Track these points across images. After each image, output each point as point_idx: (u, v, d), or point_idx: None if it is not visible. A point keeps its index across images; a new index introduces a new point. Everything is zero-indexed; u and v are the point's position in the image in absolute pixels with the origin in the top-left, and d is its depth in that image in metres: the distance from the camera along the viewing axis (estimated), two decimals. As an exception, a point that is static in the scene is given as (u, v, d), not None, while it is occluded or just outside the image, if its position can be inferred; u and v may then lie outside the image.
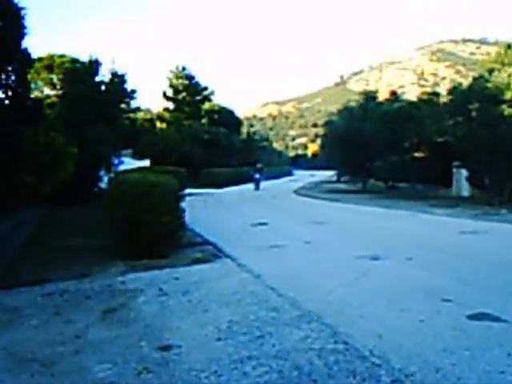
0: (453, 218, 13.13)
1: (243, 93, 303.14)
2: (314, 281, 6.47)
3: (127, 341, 4.41)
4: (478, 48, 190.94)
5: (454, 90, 18.95)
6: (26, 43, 12.84)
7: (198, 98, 48.02)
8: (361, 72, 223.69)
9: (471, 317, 4.65)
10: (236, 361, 3.86)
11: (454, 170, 20.36)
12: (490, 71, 18.19)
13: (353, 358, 3.82)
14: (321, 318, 4.78)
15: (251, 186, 34.43)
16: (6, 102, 13.05)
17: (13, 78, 12.88)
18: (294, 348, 4.06)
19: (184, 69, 48.03)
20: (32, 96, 18.74)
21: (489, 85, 16.95)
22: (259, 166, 39.13)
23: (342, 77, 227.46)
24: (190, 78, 48.00)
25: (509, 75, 16.62)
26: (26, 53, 13.16)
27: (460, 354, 3.79)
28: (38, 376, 3.76)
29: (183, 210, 9.57)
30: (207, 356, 3.98)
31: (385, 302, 5.29)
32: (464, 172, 19.31)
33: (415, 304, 5.15)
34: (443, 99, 21.47)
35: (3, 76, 12.64)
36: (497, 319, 4.56)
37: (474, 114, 17.06)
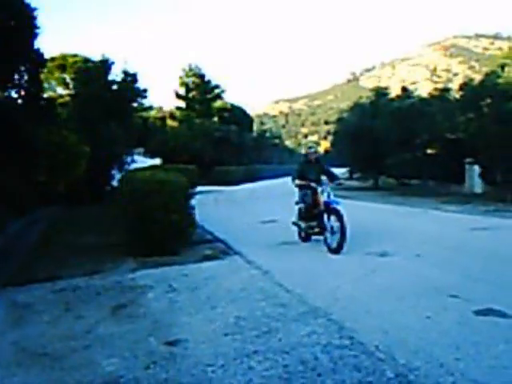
0: (464, 214, 13.07)
1: (254, 90, 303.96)
2: (323, 277, 6.50)
3: (136, 336, 4.49)
4: (491, 43, 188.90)
5: (465, 86, 18.83)
6: (39, 43, 13.03)
7: (209, 96, 48.05)
8: (373, 69, 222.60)
9: (478, 313, 4.65)
10: (242, 355, 3.91)
11: (467, 166, 20.22)
12: (502, 66, 18.04)
13: (358, 353, 3.85)
14: (327, 314, 4.82)
15: (262, 184, 32.40)
16: (20, 101, 13.25)
17: (26, 77, 13.06)
18: (300, 343, 4.11)
19: (195, 67, 48.13)
20: (45, 96, 18.99)
21: (500, 80, 16.80)
22: (312, 151, 9.57)
23: (353, 74, 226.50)
24: (201, 76, 48.04)
25: (521, 71, 16.50)
26: (38, 53, 13.34)
27: (465, 350, 3.81)
28: (49, 370, 3.85)
29: (193, 208, 9.64)
30: (214, 351, 4.04)
31: (392, 299, 5.30)
32: (477, 168, 19.19)
33: (422, 300, 5.16)
34: (455, 95, 21.33)
35: (16, 76, 12.83)
36: (504, 315, 4.55)
37: (485, 110, 16.93)
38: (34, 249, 9.54)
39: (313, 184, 8.81)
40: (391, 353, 3.80)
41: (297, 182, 9.02)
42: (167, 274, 6.98)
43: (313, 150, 9.62)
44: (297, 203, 9.42)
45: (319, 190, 8.66)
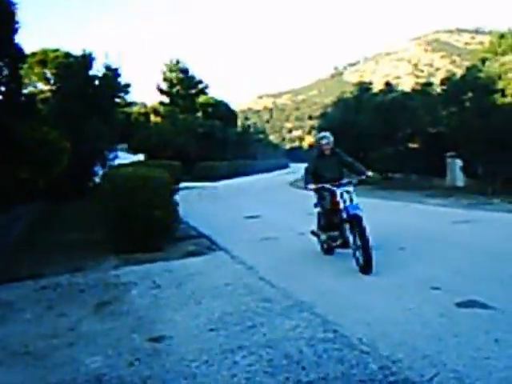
0: (446, 207, 13.19)
1: (238, 86, 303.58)
2: (307, 271, 6.52)
3: (120, 333, 4.46)
4: (472, 38, 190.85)
5: (447, 81, 18.98)
6: (19, 38, 12.82)
7: (193, 91, 47.89)
8: (356, 63, 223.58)
9: (459, 304, 4.70)
10: (227, 350, 3.91)
11: (449, 160, 20.40)
12: (483, 61, 18.21)
13: (342, 346, 3.87)
14: (312, 308, 4.84)
15: (246, 179, 32.26)
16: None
17: (5, 73, 12.85)
18: (285, 337, 4.12)
19: (178, 62, 47.89)
20: (26, 91, 18.72)
21: (481, 75, 16.96)
22: (325, 142, 7.20)
23: (337, 68, 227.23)
24: (185, 71, 47.85)
25: (501, 65, 16.65)
26: (18, 48, 13.11)
27: (447, 341, 3.85)
28: (31, 368, 3.82)
29: (177, 204, 9.61)
30: (199, 346, 4.03)
31: (375, 292, 5.33)
32: (458, 162, 19.36)
33: (405, 293, 5.20)
34: (437, 89, 21.49)
35: (-5, 71, 12.61)
36: (485, 306, 4.60)
37: (467, 104, 17.09)
38: (16, 246, 9.43)
39: (327, 185, 6.78)
40: (375, 345, 3.83)
41: (311, 186, 6.88)
42: (151, 271, 6.96)
43: (326, 140, 7.18)
44: (315, 206, 7.53)
45: (338, 192, 6.62)
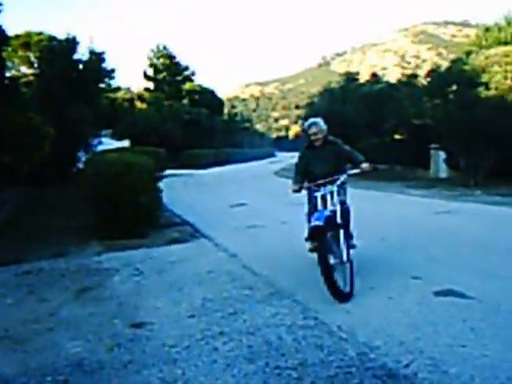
0: (429, 198, 13.34)
1: (225, 73, 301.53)
2: (289, 260, 6.56)
3: (101, 318, 4.47)
4: (459, 30, 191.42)
5: (433, 73, 19.08)
6: (1, 21, 12.61)
7: (179, 78, 47.45)
8: (344, 53, 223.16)
9: (438, 293, 4.78)
10: (208, 336, 3.95)
11: (432, 151, 20.57)
12: (468, 54, 18.32)
13: (321, 333, 3.93)
14: (293, 295, 4.90)
15: (232, 167, 32.27)
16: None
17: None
18: (265, 324, 4.16)
19: (164, 48, 47.39)
20: (8, 75, 18.42)
21: (466, 67, 17.08)
22: (314, 130, 5.72)
23: (324, 58, 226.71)
24: (171, 57, 47.36)
25: (486, 58, 16.78)
26: (1, 30, 12.90)
27: (424, 329, 3.92)
28: (11, 353, 3.81)
29: (161, 191, 9.58)
30: (180, 332, 4.06)
31: (356, 281, 5.37)
32: (442, 154, 19.54)
33: (385, 282, 5.27)
34: (423, 81, 21.61)
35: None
36: (462, 295, 4.69)
37: (451, 96, 17.21)
38: (-2, 231, 9.34)
39: (308, 185, 5.62)
40: (353, 332, 3.89)
41: (295, 187, 5.67)
42: (134, 257, 6.96)
43: (315, 127, 5.73)
44: None
45: (318, 194, 5.30)
